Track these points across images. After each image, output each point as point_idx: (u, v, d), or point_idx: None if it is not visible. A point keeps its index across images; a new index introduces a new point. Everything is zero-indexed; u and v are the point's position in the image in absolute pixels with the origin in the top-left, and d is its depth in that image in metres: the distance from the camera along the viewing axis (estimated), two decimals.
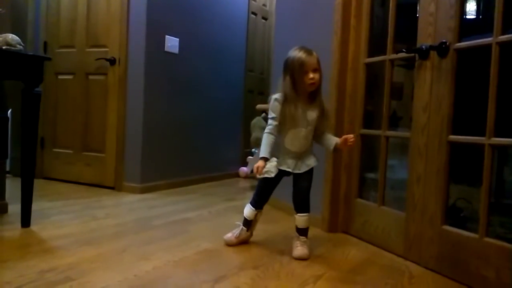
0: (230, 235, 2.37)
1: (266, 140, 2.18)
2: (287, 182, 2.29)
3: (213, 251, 2.25)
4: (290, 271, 2.01)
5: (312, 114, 2.20)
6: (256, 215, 2.36)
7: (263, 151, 2.16)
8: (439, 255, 2.06)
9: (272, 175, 2.17)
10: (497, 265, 1.78)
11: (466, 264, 1.91)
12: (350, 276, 1.99)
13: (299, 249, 2.20)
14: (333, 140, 2.26)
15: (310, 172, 2.28)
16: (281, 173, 2.25)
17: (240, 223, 2.38)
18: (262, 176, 2.15)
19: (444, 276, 2.01)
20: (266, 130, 2.21)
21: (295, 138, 2.21)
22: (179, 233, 2.56)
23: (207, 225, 2.82)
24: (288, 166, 2.23)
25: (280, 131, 2.21)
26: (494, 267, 1.79)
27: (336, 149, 2.27)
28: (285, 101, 2.17)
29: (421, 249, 2.16)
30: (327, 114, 2.29)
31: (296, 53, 2.15)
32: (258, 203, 2.36)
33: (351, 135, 2.19)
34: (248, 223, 2.37)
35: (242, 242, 2.37)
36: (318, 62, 2.16)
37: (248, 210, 2.36)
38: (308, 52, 2.14)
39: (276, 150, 2.23)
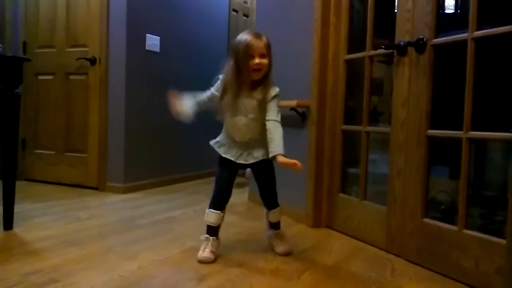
0: (202, 253, 2.07)
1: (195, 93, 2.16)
2: None
3: (198, 249, 2.24)
4: (275, 267, 2.03)
5: (251, 102, 2.04)
6: (222, 218, 2.15)
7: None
8: (420, 248, 2.10)
9: (184, 113, 2.11)
10: (476, 256, 1.83)
11: (446, 255, 1.95)
12: (334, 271, 2.02)
13: (281, 244, 2.21)
14: (274, 150, 1.94)
15: (269, 166, 2.15)
16: (233, 166, 2.13)
17: (204, 236, 2.12)
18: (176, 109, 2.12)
19: (425, 268, 2.05)
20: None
21: (235, 126, 2.09)
22: (164, 232, 2.57)
23: (192, 223, 2.82)
24: (232, 155, 2.11)
25: (224, 120, 2.16)
26: (473, 258, 1.84)
27: (273, 158, 1.96)
28: (225, 85, 2.07)
29: (402, 242, 2.19)
30: (270, 103, 2.03)
31: (242, 36, 2.00)
32: (220, 204, 2.13)
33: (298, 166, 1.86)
34: (216, 231, 2.13)
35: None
36: (267, 47, 2.00)
37: (212, 216, 2.11)
38: (257, 35, 1.99)
39: (224, 138, 2.17)
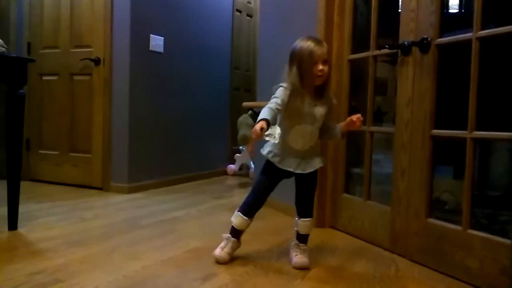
0: (220, 252, 2.06)
1: (267, 111, 1.83)
2: None
3: (202, 249, 2.26)
4: (278, 268, 2.03)
5: (321, 110, 1.99)
6: (249, 225, 2.11)
7: (264, 114, 1.82)
8: (424, 248, 2.09)
9: (275, 140, 1.95)
10: (480, 256, 1.82)
11: (451, 256, 1.95)
12: (338, 271, 2.01)
13: (299, 257, 2.04)
14: (338, 127, 2.06)
15: (315, 174, 2.08)
16: (280, 175, 2.05)
17: (227, 235, 2.10)
18: (264, 137, 1.86)
19: (429, 268, 2.05)
20: (267, 105, 1.88)
21: (300, 135, 1.99)
22: (168, 232, 2.57)
23: (195, 223, 2.83)
24: (290, 165, 2.00)
25: (284, 126, 2.00)
26: (478, 258, 1.83)
27: (344, 134, 2.06)
28: (292, 92, 1.93)
29: (406, 242, 2.19)
30: (334, 111, 2.15)
31: (304, 43, 1.94)
32: (251, 211, 2.08)
33: (358, 115, 1.97)
34: (239, 234, 2.10)
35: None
36: (328, 53, 1.99)
37: (239, 220, 2.07)
38: (318, 42, 1.96)
39: (278, 148, 2.01)
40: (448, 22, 2.13)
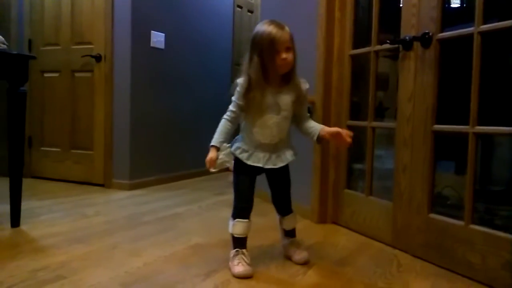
0: (241, 267, 1.86)
1: (221, 127, 1.86)
2: None
3: (203, 245, 2.26)
4: (280, 263, 2.03)
5: (286, 98, 1.88)
6: (250, 227, 1.96)
7: (215, 138, 1.83)
8: (426, 243, 2.09)
9: (228, 165, 1.84)
10: (482, 251, 1.82)
11: (453, 251, 1.95)
12: (340, 266, 2.01)
13: (299, 253, 2.04)
14: (316, 128, 1.92)
15: (287, 168, 2.00)
16: (252, 172, 1.93)
17: (233, 250, 1.93)
18: (217, 169, 1.82)
19: (431, 263, 2.05)
20: (224, 116, 1.89)
21: (265, 127, 1.87)
22: (169, 228, 2.58)
23: (197, 219, 2.83)
24: (259, 160, 1.89)
25: (248, 120, 1.91)
26: (480, 253, 1.83)
27: (321, 139, 1.92)
28: (250, 86, 1.84)
29: (408, 237, 2.19)
30: (305, 98, 1.97)
31: (265, 28, 1.79)
32: (246, 212, 1.94)
33: (348, 132, 1.83)
34: (244, 242, 1.94)
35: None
36: (292, 39, 1.82)
37: (241, 226, 1.91)
38: (280, 26, 1.79)
39: (246, 143, 1.92)
40: (449, 17, 2.12)
